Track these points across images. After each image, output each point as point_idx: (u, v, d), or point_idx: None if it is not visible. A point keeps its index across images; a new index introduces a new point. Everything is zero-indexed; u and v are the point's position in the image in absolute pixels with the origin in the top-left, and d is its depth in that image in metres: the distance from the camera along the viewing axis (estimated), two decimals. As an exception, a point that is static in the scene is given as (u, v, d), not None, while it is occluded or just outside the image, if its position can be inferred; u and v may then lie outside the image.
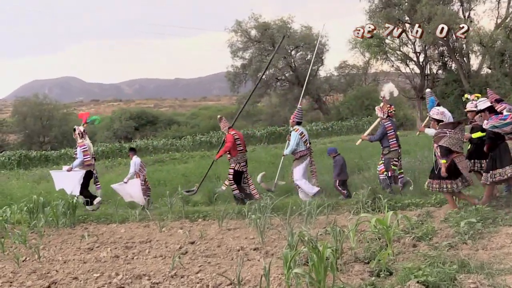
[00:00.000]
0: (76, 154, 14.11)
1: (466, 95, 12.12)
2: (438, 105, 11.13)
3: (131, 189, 13.72)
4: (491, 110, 9.96)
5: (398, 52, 45.69)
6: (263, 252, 8.28)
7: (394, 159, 11.93)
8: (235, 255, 8.28)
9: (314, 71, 52.21)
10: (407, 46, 45.63)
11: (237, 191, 12.97)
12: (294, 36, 50.55)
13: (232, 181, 12.91)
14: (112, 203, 13.64)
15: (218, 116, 13.99)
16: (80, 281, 7.39)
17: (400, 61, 46.36)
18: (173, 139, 42.21)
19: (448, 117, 9.92)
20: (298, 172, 12.53)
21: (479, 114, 10.66)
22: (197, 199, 14.06)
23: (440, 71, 46.65)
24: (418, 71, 46.83)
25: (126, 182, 13.82)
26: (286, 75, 52.35)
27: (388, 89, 12.84)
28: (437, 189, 9.82)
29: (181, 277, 7.24)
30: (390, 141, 11.95)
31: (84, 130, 13.86)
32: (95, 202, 13.60)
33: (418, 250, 7.29)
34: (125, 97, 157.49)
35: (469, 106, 11.21)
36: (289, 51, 51.24)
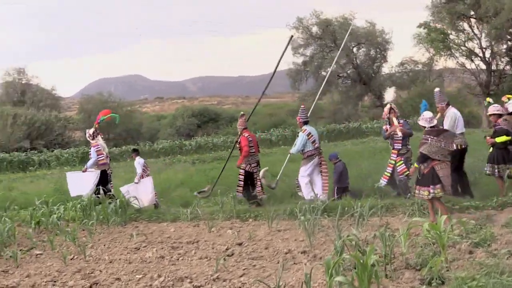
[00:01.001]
0: (90, 154, 14.12)
1: (488, 99, 11.92)
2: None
3: (144, 189, 13.65)
4: None
5: (463, 48, 44.38)
6: (311, 255, 7.99)
7: (410, 158, 11.63)
8: (282, 258, 8.01)
9: (377, 68, 51.41)
10: (472, 41, 44.28)
11: (240, 194, 12.92)
12: (356, 32, 49.82)
13: (242, 182, 12.86)
14: (164, 201, 13.55)
15: (241, 113, 14.10)
16: (122, 282, 7.27)
17: (465, 57, 44.99)
18: (234, 136, 42.16)
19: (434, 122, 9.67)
20: (303, 170, 12.47)
21: (504, 117, 10.47)
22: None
23: (508, 67, 45.06)
24: (484, 67, 45.32)
25: (137, 183, 13.82)
26: (348, 72, 51.62)
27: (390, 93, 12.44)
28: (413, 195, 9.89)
29: (223, 281, 7.04)
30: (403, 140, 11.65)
31: (95, 131, 13.92)
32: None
33: (474, 258, 6.85)
34: (189, 94, 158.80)
35: (491, 110, 10.92)
36: (351, 47, 50.51)
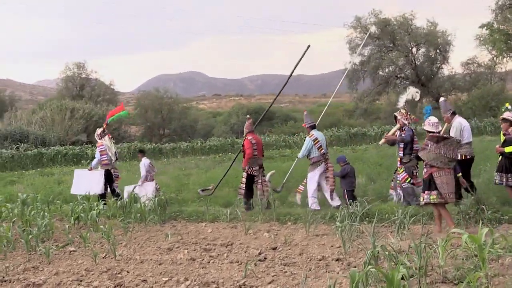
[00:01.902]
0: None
1: (507, 104, 11.44)
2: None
3: (145, 192, 13.68)
4: None
5: (528, 49, 42.92)
6: (345, 263, 7.67)
7: (414, 166, 11.40)
8: (315, 265, 7.70)
9: (436, 69, 50.30)
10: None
11: (241, 196, 12.86)
12: (415, 33, 48.87)
13: (244, 184, 12.79)
14: (204, 201, 13.38)
15: (247, 116, 14.09)
16: (147, 284, 7.08)
17: (530, 59, 43.62)
18: (286, 135, 41.83)
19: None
20: (310, 178, 12.28)
21: None
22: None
23: None
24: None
25: (141, 185, 14.23)
26: (407, 72, 50.63)
27: (411, 93, 12.20)
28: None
29: (250, 287, 6.76)
30: (415, 146, 11.44)
31: (103, 131, 14.36)
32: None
33: (517, 274, 6.40)
34: (246, 92, 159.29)
35: (506, 115, 10.71)
36: (410, 48, 49.56)
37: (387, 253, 6.64)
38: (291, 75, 14.45)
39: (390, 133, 12.21)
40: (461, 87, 51.73)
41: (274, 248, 8.89)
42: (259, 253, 8.54)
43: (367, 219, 10.16)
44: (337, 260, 7.90)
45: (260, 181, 12.78)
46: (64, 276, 7.70)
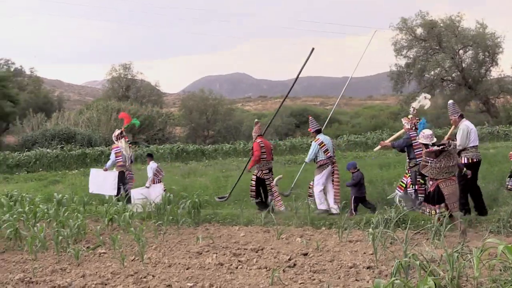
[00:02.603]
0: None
1: None
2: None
3: (154, 194, 13.80)
4: None
5: None
6: (376, 272, 7.42)
7: (419, 172, 11.09)
8: (344, 273, 7.48)
9: (484, 72, 49.22)
10: None
11: (253, 199, 13.15)
12: (463, 34, 47.90)
13: (254, 188, 13.10)
14: (238, 204, 13.26)
15: (256, 120, 14.41)
16: (171, 290, 6.97)
17: None
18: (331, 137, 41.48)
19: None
20: (316, 180, 12.39)
21: None
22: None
23: None
24: None
25: (148, 187, 14.44)
26: (453, 75, 49.69)
27: (422, 100, 12.22)
28: (422, 212, 9.83)
29: (275, 295, 6.60)
30: (416, 151, 11.42)
31: (120, 133, 14.59)
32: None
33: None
34: (292, 94, 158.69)
35: None
36: (457, 50, 48.61)
37: (418, 262, 6.39)
38: (296, 79, 14.70)
39: (393, 138, 12.60)
40: (510, 90, 50.52)
41: (305, 254, 8.69)
42: (289, 259, 8.34)
43: (403, 225, 9.91)
44: (368, 268, 7.66)
45: (271, 184, 13.04)
46: (90, 278, 7.64)
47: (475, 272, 6.48)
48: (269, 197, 13.07)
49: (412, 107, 12.22)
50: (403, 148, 11.81)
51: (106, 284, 7.32)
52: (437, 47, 48.30)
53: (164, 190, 14.51)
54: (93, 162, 33.04)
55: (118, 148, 14.42)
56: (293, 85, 14.61)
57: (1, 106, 45.87)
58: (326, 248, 9.12)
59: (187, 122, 59.69)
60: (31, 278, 7.72)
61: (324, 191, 12.42)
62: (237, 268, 8.02)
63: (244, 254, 8.87)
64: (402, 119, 12.23)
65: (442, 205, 9.27)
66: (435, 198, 9.34)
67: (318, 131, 12.84)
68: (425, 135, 9.67)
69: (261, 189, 13.18)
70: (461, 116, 11.19)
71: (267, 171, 13.10)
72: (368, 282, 6.97)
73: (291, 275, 7.45)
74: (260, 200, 13.04)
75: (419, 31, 48.98)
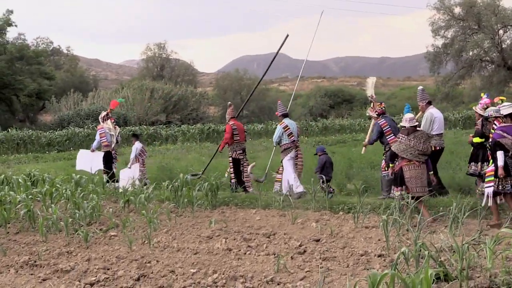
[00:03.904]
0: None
1: (482, 94, 11.56)
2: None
3: (133, 172, 14.37)
4: None
5: None
6: (387, 260, 7.14)
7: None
8: (354, 261, 7.23)
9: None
10: None
11: (234, 180, 13.39)
12: (503, 14, 46.61)
13: (233, 169, 13.41)
14: (256, 187, 13.06)
15: (229, 103, 14.99)
16: (173, 276, 6.79)
17: None
18: (363, 119, 40.98)
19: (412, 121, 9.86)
20: (286, 165, 12.70)
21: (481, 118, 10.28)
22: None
23: None
24: None
25: (129, 167, 14.87)
26: (492, 56, 48.49)
27: (371, 83, 11.90)
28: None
29: (278, 284, 6.37)
30: (388, 137, 11.55)
31: (106, 115, 15.18)
32: (117, 184, 13.86)
33: None
34: (330, 74, 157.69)
35: (478, 108, 10.84)
36: (497, 30, 47.38)
37: (427, 252, 6.10)
38: (270, 65, 15.15)
39: (368, 135, 12.60)
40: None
41: (317, 240, 8.45)
42: (300, 245, 8.11)
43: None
44: (379, 256, 7.39)
45: (245, 163, 13.48)
46: (94, 262, 7.51)
47: (488, 263, 6.20)
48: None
49: (368, 96, 12.47)
50: (377, 138, 11.92)
51: (108, 269, 7.18)
52: (476, 27, 47.16)
53: (143, 173, 15.28)
54: (124, 142, 33.17)
55: (103, 129, 15.00)
56: (267, 70, 15.34)
57: (38, 83, 46.32)
58: (340, 234, 8.87)
59: (221, 102, 59.66)
60: (35, 261, 7.64)
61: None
62: (245, 254, 7.82)
63: (255, 239, 8.66)
64: (367, 110, 12.58)
65: (403, 187, 9.67)
66: (398, 180, 9.75)
67: (285, 115, 13.17)
68: (406, 118, 9.86)
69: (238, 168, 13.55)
70: (429, 103, 11.33)
71: (241, 151, 13.53)
72: (377, 271, 6.71)
73: (299, 262, 7.23)
74: (236, 181, 13.38)
75: (457, 10, 47.82)
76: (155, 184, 12.99)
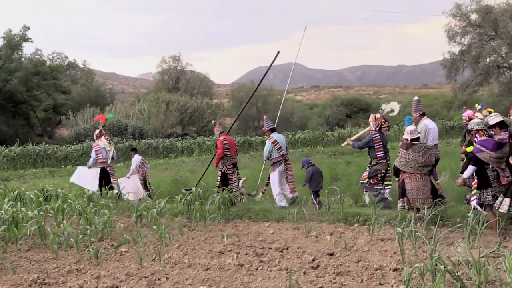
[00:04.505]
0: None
1: (476, 104, 11.86)
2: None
3: (134, 183, 14.89)
4: (502, 125, 9.46)
5: None
6: (403, 274, 6.90)
7: (382, 171, 11.83)
8: (368, 275, 7.04)
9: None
10: None
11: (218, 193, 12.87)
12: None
13: (219, 182, 13.45)
14: (269, 199, 12.88)
15: (213, 121, 15.43)
16: (182, 293, 6.65)
17: None
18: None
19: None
20: (273, 178, 12.90)
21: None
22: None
23: None
24: None
25: (128, 178, 15.30)
26: (510, 62, 47.92)
27: (391, 106, 12.55)
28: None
29: (289, 301, 6.20)
30: (377, 153, 11.79)
31: (99, 132, 15.15)
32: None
33: None
34: (346, 83, 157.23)
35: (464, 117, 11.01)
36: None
37: (442, 266, 5.90)
38: (260, 81, 16.74)
39: (357, 135, 13.10)
40: None
41: (331, 254, 8.27)
42: (313, 260, 7.93)
43: (440, 222, 9.36)
44: (394, 270, 7.20)
45: (234, 178, 13.49)
46: (103, 280, 7.39)
47: (508, 277, 6.01)
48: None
49: (381, 109, 12.55)
50: (363, 147, 12.25)
51: (117, 287, 7.05)
52: (492, 33, 46.62)
53: (149, 183, 15.85)
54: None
55: (98, 146, 14.95)
56: (257, 87, 17.80)
57: (53, 98, 46.57)
58: (355, 247, 8.69)
59: (236, 113, 59.54)
60: (44, 279, 7.52)
61: (281, 191, 12.82)
62: (257, 269, 7.66)
63: (267, 253, 8.49)
64: (370, 116, 12.50)
65: (405, 198, 9.80)
66: (400, 192, 9.90)
67: (272, 130, 13.32)
68: (408, 131, 9.96)
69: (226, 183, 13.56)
70: (422, 114, 11.31)
71: (231, 166, 13.57)
72: (392, 286, 6.53)
73: (312, 278, 7.07)
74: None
75: (474, 16, 47.34)
76: (168, 197, 12.86)
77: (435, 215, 9.09)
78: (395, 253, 8.11)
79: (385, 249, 8.42)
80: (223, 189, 12.62)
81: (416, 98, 11.90)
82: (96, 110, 48.32)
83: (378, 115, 12.21)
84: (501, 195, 8.87)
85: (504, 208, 8.74)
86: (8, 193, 14.16)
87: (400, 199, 9.94)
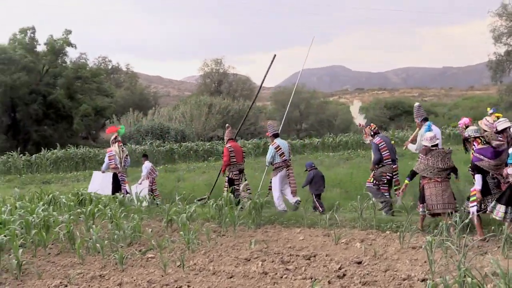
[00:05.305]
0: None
1: (488, 108, 11.35)
2: None
3: (142, 188, 15.01)
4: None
5: None
6: (430, 285, 6.67)
7: (388, 173, 11.97)
8: (395, 286, 6.81)
9: None
10: None
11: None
12: None
13: (225, 189, 13.61)
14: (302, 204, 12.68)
15: (226, 125, 15.51)
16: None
17: None
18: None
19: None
20: (274, 183, 13.13)
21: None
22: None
23: None
24: None
25: (140, 184, 15.66)
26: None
27: (356, 109, 13.43)
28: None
29: (311, 312, 6.02)
30: (383, 153, 11.95)
31: (114, 138, 15.31)
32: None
33: None
34: (390, 85, 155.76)
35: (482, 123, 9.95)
36: None
37: (469, 279, 5.64)
38: (262, 84, 16.88)
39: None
40: None
41: (359, 262, 8.05)
42: (339, 268, 7.73)
43: (474, 230, 9.06)
44: (422, 280, 6.94)
45: (240, 184, 13.69)
46: (125, 287, 7.32)
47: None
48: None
49: (358, 124, 13.24)
50: (380, 158, 12.05)
51: (137, 295, 6.97)
52: (539, 33, 45.63)
53: (154, 190, 16.13)
54: (181, 158, 33.18)
55: (111, 152, 15.17)
56: (258, 92, 17.31)
57: (95, 102, 47.21)
58: (384, 255, 8.44)
59: (278, 116, 59.42)
60: (66, 286, 7.49)
61: (281, 195, 13.06)
62: (281, 277, 7.49)
63: (293, 261, 8.30)
64: (363, 137, 13.12)
65: (425, 204, 9.79)
66: (420, 197, 9.94)
67: (276, 135, 13.50)
68: (425, 137, 9.98)
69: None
70: (425, 120, 11.46)
71: (237, 172, 13.86)
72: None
73: (337, 287, 6.85)
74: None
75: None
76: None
77: (469, 223, 8.78)
78: (425, 262, 7.81)
79: (416, 258, 8.15)
80: (232, 191, 13.00)
81: (417, 104, 12.20)
82: (139, 114, 48.72)
83: (363, 131, 12.74)
84: (494, 200, 8.77)
85: (499, 215, 8.62)
86: (43, 197, 14.25)
87: (421, 204, 9.91)
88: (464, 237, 8.03)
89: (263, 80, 15.76)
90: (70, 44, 46.07)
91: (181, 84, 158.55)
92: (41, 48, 46.96)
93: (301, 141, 39.35)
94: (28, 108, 44.06)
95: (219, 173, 15.27)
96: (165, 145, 34.68)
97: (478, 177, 9.02)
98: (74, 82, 46.10)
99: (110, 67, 70.24)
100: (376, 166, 12.13)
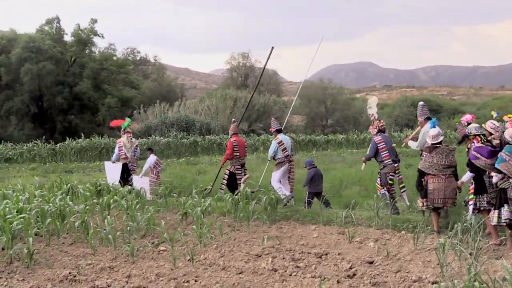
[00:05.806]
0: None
1: (492, 112, 11.64)
2: None
3: (141, 184, 14.64)
4: None
5: None
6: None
7: (391, 173, 11.97)
8: (405, 288, 6.69)
9: None
10: None
11: (221, 192, 13.87)
12: None
13: (225, 181, 14.06)
14: (317, 202, 12.57)
15: (233, 119, 15.74)
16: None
17: None
18: (448, 129, 39.51)
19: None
20: (273, 176, 13.39)
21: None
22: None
23: None
24: None
25: (141, 177, 15.39)
26: None
27: (373, 103, 12.99)
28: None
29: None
30: (382, 154, 11.98)
31: (124, 130, 15.58)
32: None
33: None
34: (419, 83, 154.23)
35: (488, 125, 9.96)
36: None
37: (477, 283, 5.52)
38: (259, 81, 19.69)
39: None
40: None
41: (371, 262, 7.94)
42: (350, 268, 7.63)
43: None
44: (434, 283, 6.80)
45: (241, 178, 13.85)
46: (133, 280, 7.30)
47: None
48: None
49: (369, 114, 13.05)
50: (372, 156, 12.20)
51: (144, 287, 6.94)
52: None
53: (159, 184, 15.80)
54: (203, 151, 33.18)
55: (120, 143, 15.45)
56: (257, 85, 19.41)
57: (122, 92, 47.43)
58: (397, 255, 8.31)
59: (305, 111, 59.23)
60: (75, 276, 7.48)
61: (281, 187, 13.10)
62: (290, 275, 7.42)
63: (304, 259, 8.22)
64: (369, 127, 12.83)
65: (424, 199, 9.82)
66: (424, 192, 9.82)
67: (279, 131, 13.71)
68: (429, 135, 9.91)
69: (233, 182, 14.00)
70: (428, 119, 11.30)
71: (239, 166, 14.07)
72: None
73: (345, 287, 6.76)
74: (232, 193, 13.19)
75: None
76: (216, 196, 12.79)
77: (483, 224, 8.63)
78: (438, 264, 7.68)
79: (429, 260, 8.01)
80: (231, 187, 13.45)
81: (421, 102, 12.06)
82: (166, 106, 48.87)
83: (373, 122, 12.54)
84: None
85: (494, 221, 8.63)
86: (62, 186, 14.33)
87: (423, 199, 9.89)
88: (479, 240, 7.91)
89: (262, 72, 16.61)
90: (96, 34, 46.33)
91: (208, 77, 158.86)
92: (68, 38, 47.31)
93: (325, 137, 39.05)
94: (54, 99, 44.39)
95: (221, 166, 15.48)
96: (189, 138, 34.69)
97: (468, 174, 9.39)
98: (100, 72, 46.33)
99: (138, 58, 70.56)
100: (379, 170, 12.20)
